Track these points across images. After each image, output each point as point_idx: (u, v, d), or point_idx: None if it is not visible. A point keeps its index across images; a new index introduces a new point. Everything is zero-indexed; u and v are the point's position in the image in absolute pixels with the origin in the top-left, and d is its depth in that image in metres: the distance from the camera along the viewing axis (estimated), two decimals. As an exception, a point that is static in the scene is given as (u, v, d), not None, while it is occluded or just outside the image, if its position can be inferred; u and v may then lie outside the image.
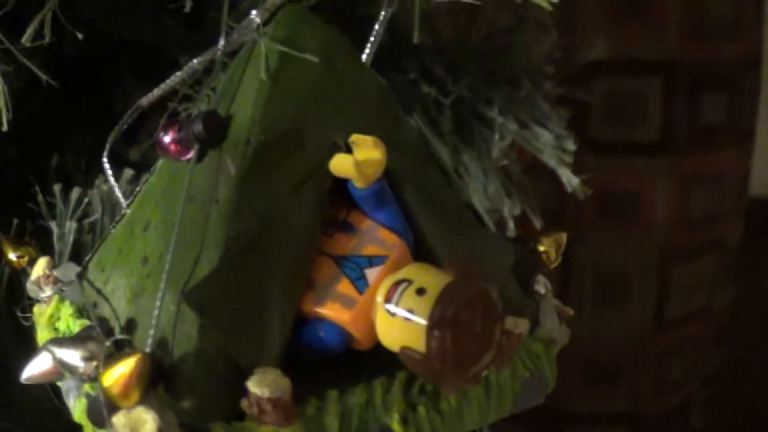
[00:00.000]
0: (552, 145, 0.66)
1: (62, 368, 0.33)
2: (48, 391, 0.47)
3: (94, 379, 0.32)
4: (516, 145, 0.68)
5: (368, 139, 0.33)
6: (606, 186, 1.19)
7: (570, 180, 0.67)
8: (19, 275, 0.48)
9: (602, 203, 1.19)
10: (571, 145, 0.66)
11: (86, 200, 0.50)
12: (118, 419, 0.30)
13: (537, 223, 0.69)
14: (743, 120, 1.22)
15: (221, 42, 0.39)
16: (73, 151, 0.62)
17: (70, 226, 0.49)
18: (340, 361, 0.34)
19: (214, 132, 0.35)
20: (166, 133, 0.36)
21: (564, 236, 0.42)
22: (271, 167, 0.34)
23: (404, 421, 0.34)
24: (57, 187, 0.51)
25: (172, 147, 0.36)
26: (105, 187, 0.52)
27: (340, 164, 0.33)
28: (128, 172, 0.51)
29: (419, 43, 0.65)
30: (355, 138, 0.33)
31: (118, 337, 0.33)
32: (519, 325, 0.36)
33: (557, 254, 0.41)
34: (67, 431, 0.46)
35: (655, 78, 1.16)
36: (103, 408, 0.31)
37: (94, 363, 0.32)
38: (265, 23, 0.36)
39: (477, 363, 0.32)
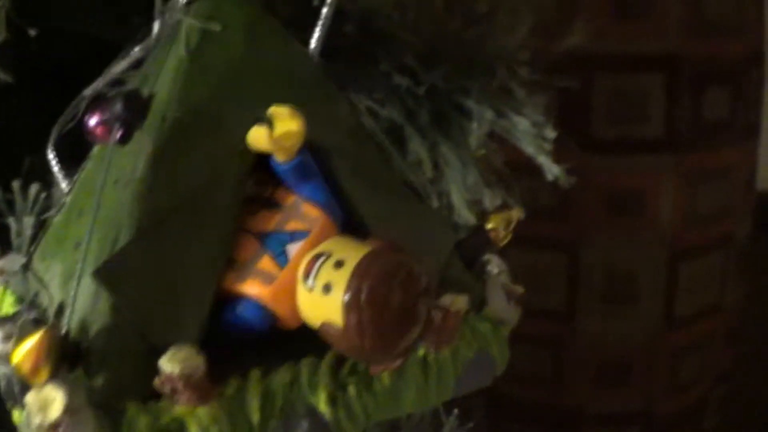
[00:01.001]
0: (530, 133, 0.64)
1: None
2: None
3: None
4: (497, 137, 0.66)
5: (284, 110, 0.32)
6: (611, 184, 1.18)
7: (550, 169, 0.66)
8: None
9: (608, 202, 1.18)
10: (550, 133, 0.65)
11: (43, 195, 0.50)
12: (30, 397, 0.29)
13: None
14: (747, 115, 1.20)
15: (155, 26, 0.38)
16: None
17: (28, 221, 0.48)
18: (269, 343, 0.33)
19: (135, 111, 0.34)
20: (91, 116, 0.35)
21: (516, 213, 0.41)
22: (188, 143, 0.33)
23: (333, 402, 0.33)
24: (15, 184, 0.50)
25: (98, 130, 0.35)
26: (63, 185, 0.51)
27: (257, 137, 0.32)
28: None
29: (392, 33, 0.64)
30: (273, 110, 0.32)
31: (32, 317, 0.32)
32: (457, 302, 0.34)
33: (507, 231, 0.40)
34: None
35: (658, 74, 1.14)
36: (15, 387, 0.30)
37: (11, 343, 0.31)
38: (190, 2, 0.36)
39: (402, 338, 0.31)
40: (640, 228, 1.18)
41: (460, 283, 0.37)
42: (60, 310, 0.35)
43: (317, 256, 0.31)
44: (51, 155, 0.43)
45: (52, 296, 0.37)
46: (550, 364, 1.22)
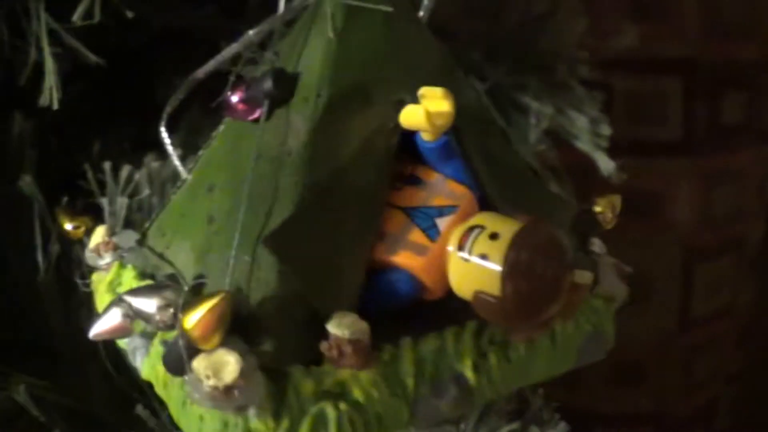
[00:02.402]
0: (587, 130, 0.67)
1: (137, 317, 0.34)
2: (96, 365, 0.48)
3: (171, 326, 0.33)
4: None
5: (437, 91, 0.34)
6: (628, 186, 1.20)
7: (606, 165, 0.68)
8: (67, 251, 0.49)
9: (624, 203, 1.20)
10: (606, 129, 0.67)
11: (136, 177, 0.51)
12: (199, 362, 0.31)
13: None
14: (764, 119, 1.23)
15: (281, 7, 0.40)
16: (115, 139, 0.62)
17: (122, 202, 0.50)
18: (410, 315, 0.35)
19: (285, 88, 0.36)
20: (233, 93, 0.37)
21: (619, 198, 0.43)
22: (340, 121, 0.35)
23: (476, 369, 0.34)
24: (107, 165, 0.52)
25: (240, 107, 0.37)
26: (154, 165, 0.53)
27: (411, 115, 0.34)
28: (178, 152, 0.52)
29: (456, 31, 0.66)
30: (424, 90, 0.34)
31: (197, 281, 0.34)
32: (583, 277, 0.37)
33: (613, 215, 0.42)
34: (110, 400, 0.47)
35: (676, 77, 1.17)
36: (182, 353, 0.31)
37: (171, 310, 0.33)
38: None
39: (548, 309, 0.33)
40: (656, 229, 1.20)
41: (579, 262, 0.39)
42: (202, 282, 0.36)
43: (471, 228, 0.33)
44: (164, 133, 0.44)
45: (181, 270, 0.38)
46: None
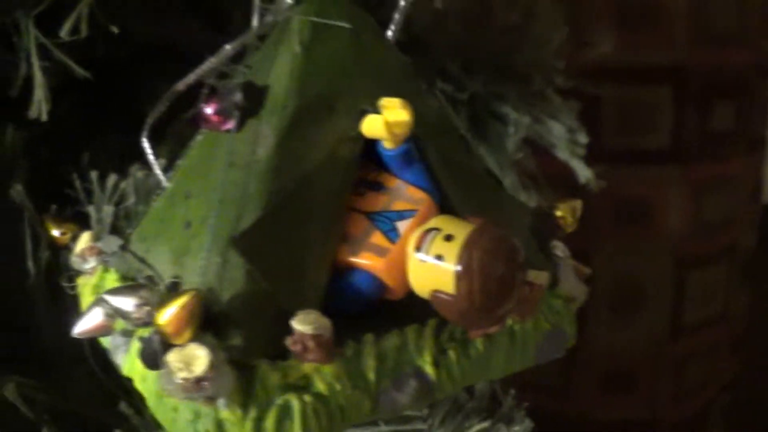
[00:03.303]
0: (565, 138, 0.69)
1: (116, 316, 0.36)
2: (84, 365, 0.50)
3: (148, 323, 0.35)
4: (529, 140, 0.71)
5: (396, 102, 0.37)
6: (619, 194, 1.22)
7: (583, 172, 0.71)
8: (56, 256, 0.52)
9: (616, 212, 1.22)
10: (583, 138, 0.70)
11: (121, 186, 0.54)
12: (172, 356, 0.34)
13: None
14: (753, 126, 1.25)
15: (254, 23, 0.43)
16: (103, 148, 0.65)
17: (108, 209, 0.53)
18: (375, 314, 0.38)
19: (254, 100, 0.38)
20: (207, 105, 0.40)
21: (579, 203, 0.46)
22: (306, 130, 0.38)
23: (436, 364, 0.37)
24: (94, 174, 0.54)
25: (214, 118, 0.40)
26: (139, 175, 0.55)
27: (372, 125, 0.37)
28: (161, 162, 0.55)
29: (434, 43, 0.69)
30: (384, 101, 0.37)
31: (170, 280, 0.37)
32: (540, 277, 0.39)
33: (573, 219, 0.45)
34: (96, 399, 0.50)
35: (665, 85, 1.19)
36: (156, 348, 0.34)
37: (147, 308, 0.35)
38: (297, 2, 0.40)
39: (501, 306, 0.36)
40: (647, 237, 1.22)
41: (536, 262, 0.42)
42: (177, 282, 0.39)
43: (428, 231, 0.36)
44: (146, 144, 0.47)
45: (159, 273, 0.41)
46: (558, 371, 1.27)
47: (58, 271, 0.51)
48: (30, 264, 0.53)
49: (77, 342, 0.44)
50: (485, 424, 0.48)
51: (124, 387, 0.45)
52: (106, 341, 0.42)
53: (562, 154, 0.70)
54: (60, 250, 0.49)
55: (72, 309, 0.47)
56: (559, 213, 0.45)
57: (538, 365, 1.21)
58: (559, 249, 0.45)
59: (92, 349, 0.48)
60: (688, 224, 1.22)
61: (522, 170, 0.72)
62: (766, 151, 1.28)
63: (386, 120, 0.36)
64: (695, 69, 1.18)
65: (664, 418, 1.26)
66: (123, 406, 0.45)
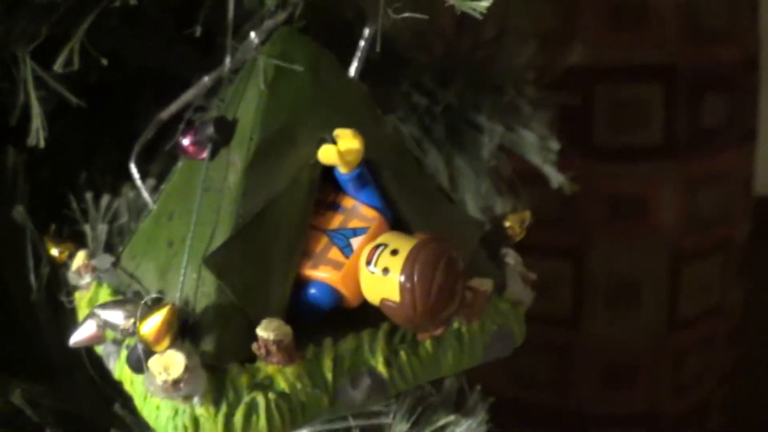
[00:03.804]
0: (537, 146, 0.75)
1: (106, 327, 0.43)
2: (83, 372, 0.57)
3: (133, 333, 0.42)
4: (505, 149, 0.77)
5: (348, 132, 0.43)
6: (613, 191, 1.27)
7: (555, 177, 0.77)
8: (57, 272, 0.59)
9: (610, 208, 1.27)
10: (555, 145, 0.76)
11: (115, 206, 0.60)
12: (153, 361, 0.40)
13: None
14: (744, 120, 1.29)
15: (227, 61, 0.49)
16: (99, 168, 0.72)
17: (102, 228, 0.59)
18: (333, 320, 0.44)
19: (224, 133, 0.45)
20: (184, 137, 0.46)
21: (528, 214, 0.51)
22: (270, 158, 0.44)
23: (388, 364, 0.43)
24: (89, 195, 0.61)
25: (190, 148, 0.46)
26: (131, 195, 0.62)
27: (326, 153, 0.43)
28: (150, 182, 0.61)
29: (411, 57, 0.75)
30: (338, 131, 0.43)
31: (152, 296, 0.43)
32: (484, 284, 0.45)
33: (521, 229, 0.51)
34: (95, 402, 0.56)
35: (656, 83, 1.23)
36: (140, 355, 0.40)
37: (132, 320, 0.42)
38: (263, 43, 0.46)
39: (444, 311, 0.41)
40: (642, 233, 1.27)
41: (484, 270, 0.47)
42: (159, 297, 0.45)
43: (377, 246, 0.42)
44: (133, 169, 0.54)
45: (147, 288, 0.47)
46: (556, 367, 1.32)
47: (58, 287, 0.58)
48: (32, 280, 0.59)
49: (76, 351, 0.50)
50: (451, 418, 0.54)
51: (120, 391, 0.51)
52: (100, 349, 0.48)
53: (535, 160, 0.76)
54: (59, 267, 0.56)
55: (71, 321, 0.54)
56: (508, 224, 0.50)
57: (535, 364, 1.29)
58: (510, 256, 0.51)
59: (89, 356, 0.54)
60: (682, 219, 1.26)
61: (498, 176, 0.78)
62: (757, 143, 1.32)
63: (338, 149, 0.42)
64: (686, 66, 1.22)
65: (664, 412, 1.31)
66: (118, 408, 0.51)
